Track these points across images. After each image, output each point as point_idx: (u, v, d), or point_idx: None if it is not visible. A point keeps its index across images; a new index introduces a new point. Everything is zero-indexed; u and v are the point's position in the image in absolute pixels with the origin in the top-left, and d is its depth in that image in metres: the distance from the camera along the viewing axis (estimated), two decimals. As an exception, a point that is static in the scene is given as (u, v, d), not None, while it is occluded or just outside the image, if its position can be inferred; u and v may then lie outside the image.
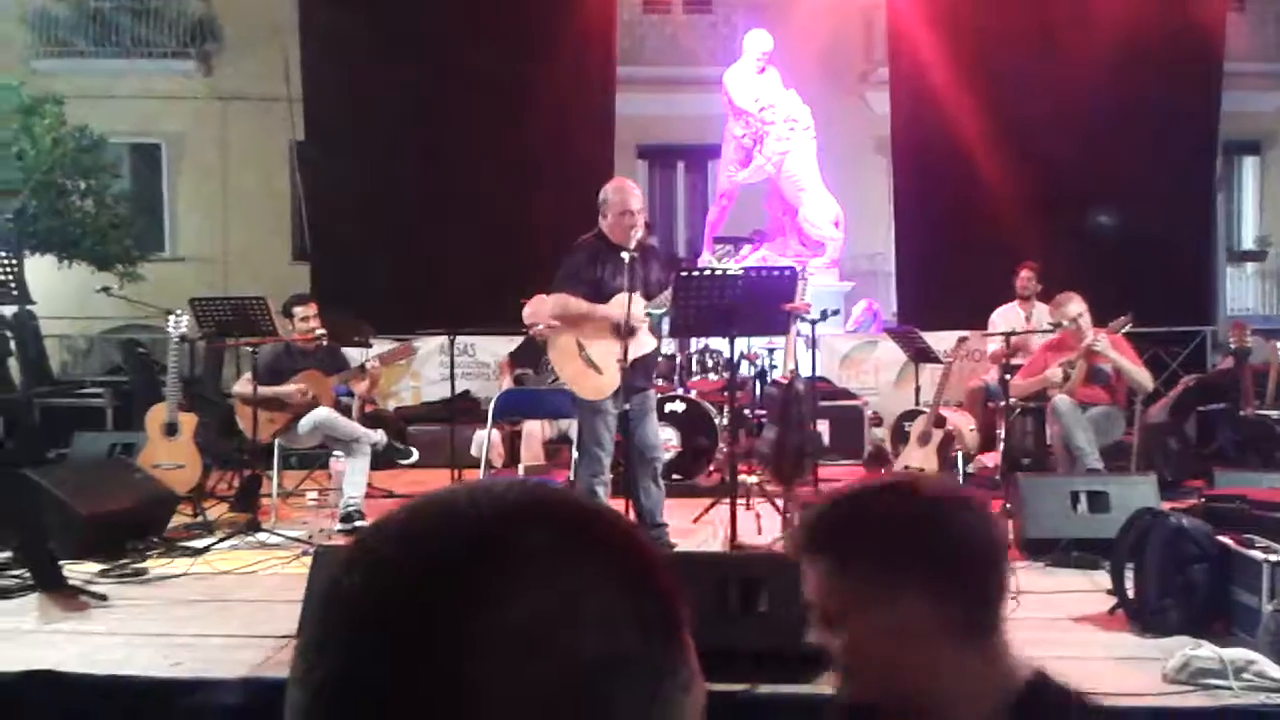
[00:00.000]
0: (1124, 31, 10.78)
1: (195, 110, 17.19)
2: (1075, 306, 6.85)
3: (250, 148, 16.73)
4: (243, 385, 6.73)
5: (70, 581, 4.97)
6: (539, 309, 5.40)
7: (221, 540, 5.96)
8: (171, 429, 6.82)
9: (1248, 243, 17.53)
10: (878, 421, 9.56)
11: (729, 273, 5.42)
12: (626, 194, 5.43)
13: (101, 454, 7.13)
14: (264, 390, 6.63)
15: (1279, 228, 17.15)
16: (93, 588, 4.97)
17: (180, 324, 6.96)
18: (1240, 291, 17.14)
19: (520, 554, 0.64)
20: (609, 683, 0.63)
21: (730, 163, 12.52)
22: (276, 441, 6.83)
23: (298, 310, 7.10)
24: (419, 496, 0.69)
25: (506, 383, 8.31)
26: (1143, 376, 6.95)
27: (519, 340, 8.44)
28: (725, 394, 7.24)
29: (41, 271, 14.00)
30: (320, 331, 7.00)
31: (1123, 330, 6.84)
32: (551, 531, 0.66)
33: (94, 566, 5.37)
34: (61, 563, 5.11)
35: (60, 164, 13.81)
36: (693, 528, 6.28)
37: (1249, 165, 17.33)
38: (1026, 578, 4.80)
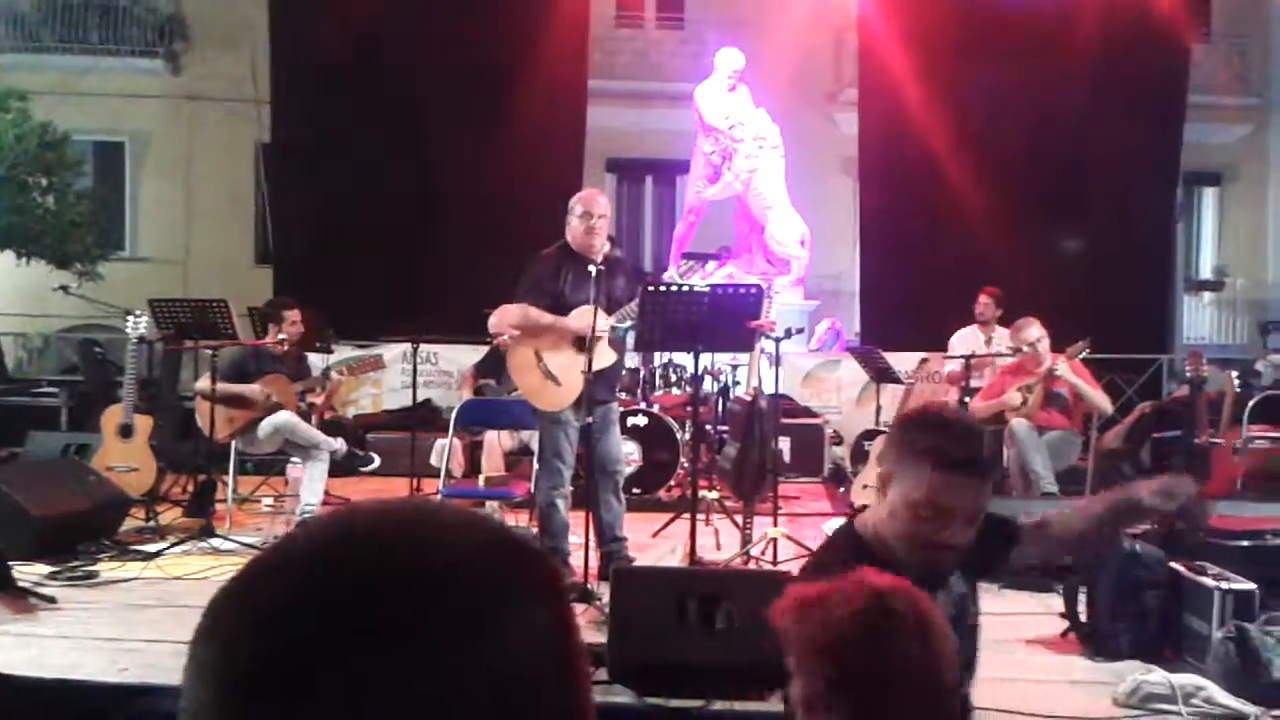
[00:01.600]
0: (1092, 61, 10.94)
1: (161, 109, 17.03)
2: (1034, 331, 6.93)
3: (216, 149, 16.60)
4: (204, 382, 6.65)
5: (19, 583, 4.90)
6: (502, 317, 5.38)
7: (174, 545, 5.89)
8: (127, 431, 6.74)
9: (1205, 272, 17.78)
10: (838, 440, 9.60)
11: (695, 289, 5.43)
12: (592, 200, 5.45)
13: (55, 454, 7.03)
14: (226, 387, 6.55)
15: (1237, 258, 17.41)
16: (42, 590, 4.91)
17: (139, 325, 6.88)
18: (1197, 320, 17.36)
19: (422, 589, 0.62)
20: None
21: (699, 178, 12.56)
22: (233, 446, 6.76)
23: (287, 314, 7.05)
24: (314, 526, 0.67)
25: (467, 393, 8.28)
26: (1102, 400, 7.03)
27: (483, 350, 8.42)
28: (688, 409, 7.25)
29: (-1, 268, 13.84)
30: (282, 336, 6.95)
31: (1080, 355, 6.92)
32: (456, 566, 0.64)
33: (44, 568, 5.30)
34: (11, 564, 5.04)
35: (23, 160, 13.63)
36: (652, 542, 6.28)
37: (1209, 196, 17.58)
38: (980, 600, 4.83)
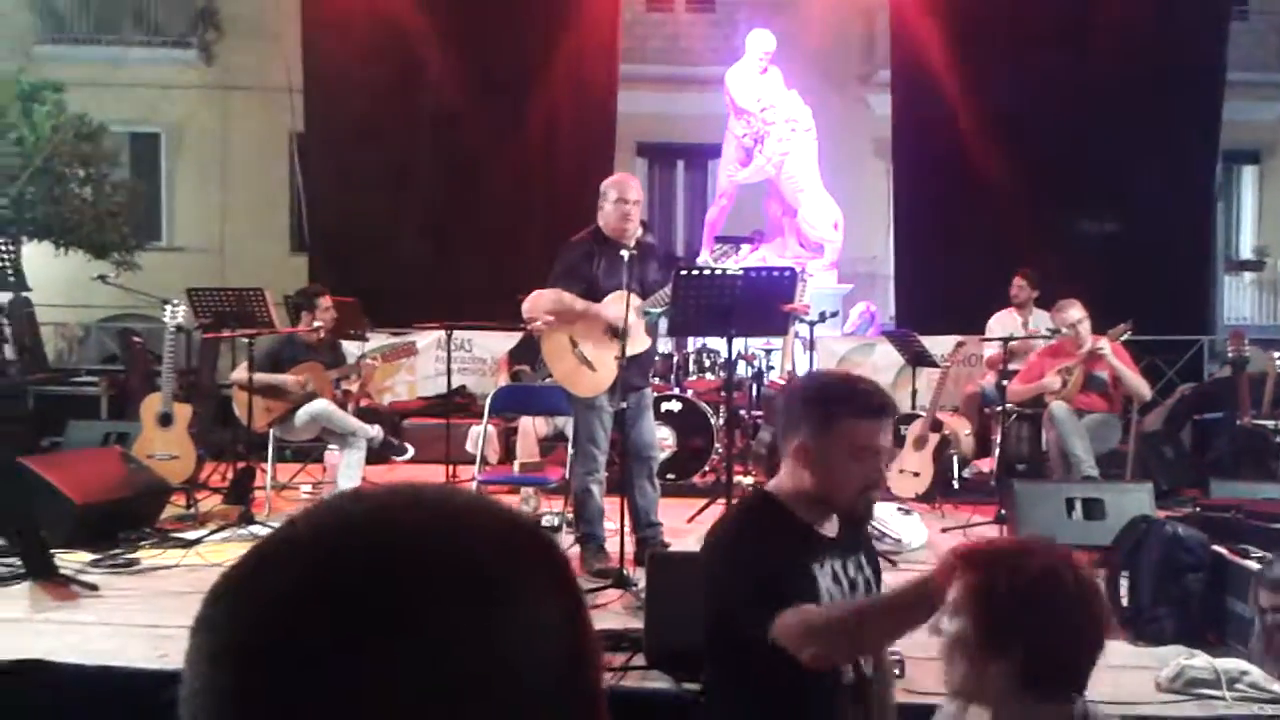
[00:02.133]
0: (1127, 40, 10.78)
1: (195, 100, 17.16)
2: (1075, 313, 6.85)
3: (250, 138, 16.70)
4: (241, 372, 6.70)
5: (61, 571, 4.96)
6: (536, 303, 5.37)
7: (214, 532, 5.93)
8: (166, 419, 6.80)
9: (1246, 252, 17.55)
10: (874, 425, 9.53)
11: (728, 272, 5.39)
12: (625, 185, 5.43)
13: (96, 443, 7.11)
14: (263, 377, 6.60)
15: (1277, 238, 17.17)
16: (84, 577, 4.96)
17: (177, 314, 6.93)
18: (1237, 301, 17.16)
19: (428, 577, 0.61)
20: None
21: (730, 162, 12.52)
22: (272, 433, 6.81)
23: (320, 301, 7.09)
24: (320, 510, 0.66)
25: (503, 379, 8.29)
26: (1141, 385, 6.95)
27: (517, 337, 8.43)
28: (722, 394, 7.23)
29: (38, 259, 13.97)
30: (318, 324, 6.99)
31: (1122, 337, 6.84)
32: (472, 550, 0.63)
33: (86, 556, 5.35)
34: (53, 551, 5.10)
35: (59, 151, 13.77)
36: (687, 528, 6.27)
37: (1248, 175, 17.34)
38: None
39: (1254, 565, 4.12)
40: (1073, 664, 1.88)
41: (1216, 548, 4.39)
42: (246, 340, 6.56)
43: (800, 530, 2.41)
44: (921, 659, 3.41)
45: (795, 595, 2.22)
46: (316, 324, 7.00)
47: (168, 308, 6.94)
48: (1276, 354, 8.45)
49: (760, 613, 2.19)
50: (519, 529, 0.67)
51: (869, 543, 2.70)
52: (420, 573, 0.61)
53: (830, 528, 2.48)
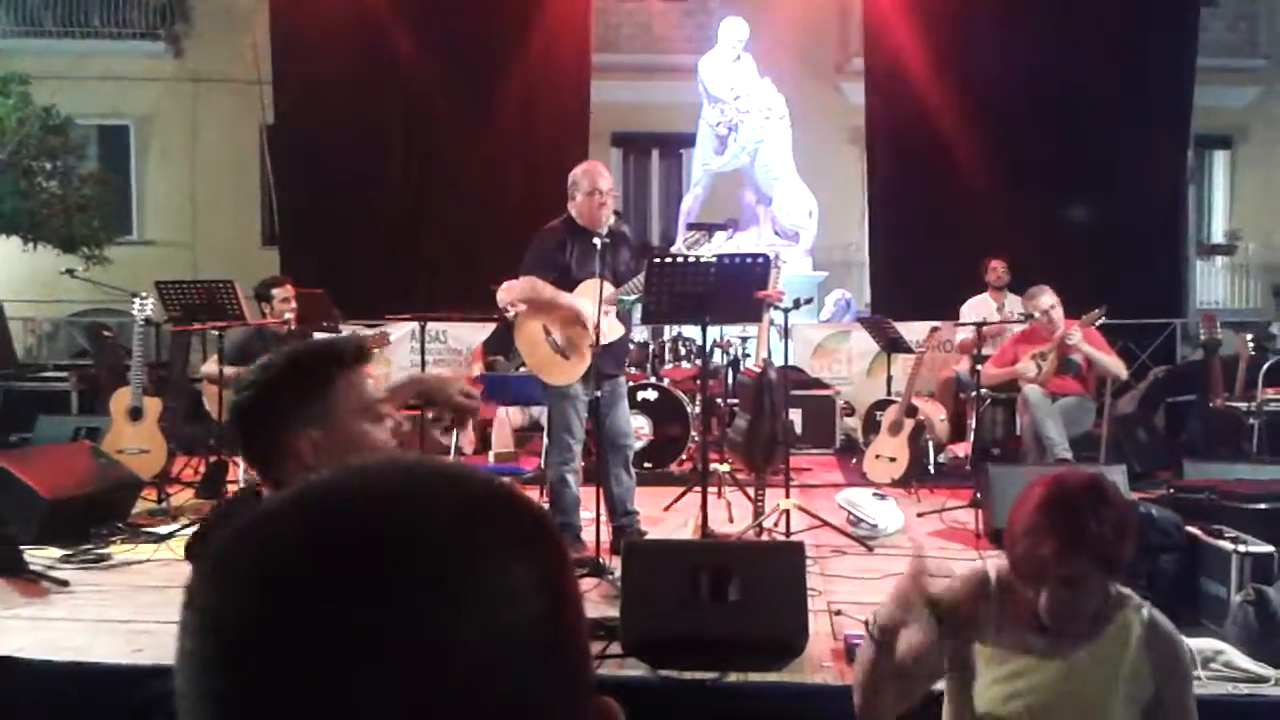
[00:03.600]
0: (1099, 24, 10.82)
1: (164, 92, 16.99)
2: (1047, 299, 6.88)
3: (220, 130, 16.55)
4: (211, 366, 6.64)
5: (32, 566, 4.90)
6: (511, 291, 5.36)
7: (186, 526, 5.88)
8: (136, 413, 6.73)
9: (1218, 236, 17.67)
10: (850, 411, 9.56)
11: (702, 259, 5.38)
12: (595, 174, 5.38)
13: (66, 438, 7.03)
14: (233, 371, 6.54)
15: (1249, 222, 17.29)
16: (54, 573, 4.90)
17: (146, 307, 6.86)
18: (1210, 285, 17.27)
19: (424, 542, 0.61)
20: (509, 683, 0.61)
21: (705, 151, 12.50)
22: (244, 426, 6.74)
23: (276, 292, 7.03)
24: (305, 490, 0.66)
25: (477, 370, 8.26)
26: (1117, 365, 7.00)
27: (491, 327, 8.40)
28: (697, 382, 7.21)
29: (6, 254, 13.84)
30: (288, 316, 6.94)
31: (1096, 323, 6.87)
32: (455, 516, 0.63)
33: (56, 552, 5.30)
34: (23, 547, 5.04)
35: (26, 144, 13.61)
36: (664, 516, 6.26)
37: (1219, 159, 17.45)
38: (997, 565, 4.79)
39: (1227, 545, 4.13)
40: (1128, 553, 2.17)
41: (1190, 528, 4.40)
42: (216, 333, 6.49)
43: None
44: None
45: None
46: (287, 315, 6.94)
47: (136, 301, 6.87)
48: (1249, 336, 8.53)
49: None
50: (493, 494, 0.66)
51: None
52: (383, 536, 0.61)
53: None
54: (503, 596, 0.62)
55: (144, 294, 6.92)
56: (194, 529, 5.33)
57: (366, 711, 0.57)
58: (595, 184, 5.33)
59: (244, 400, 1.98)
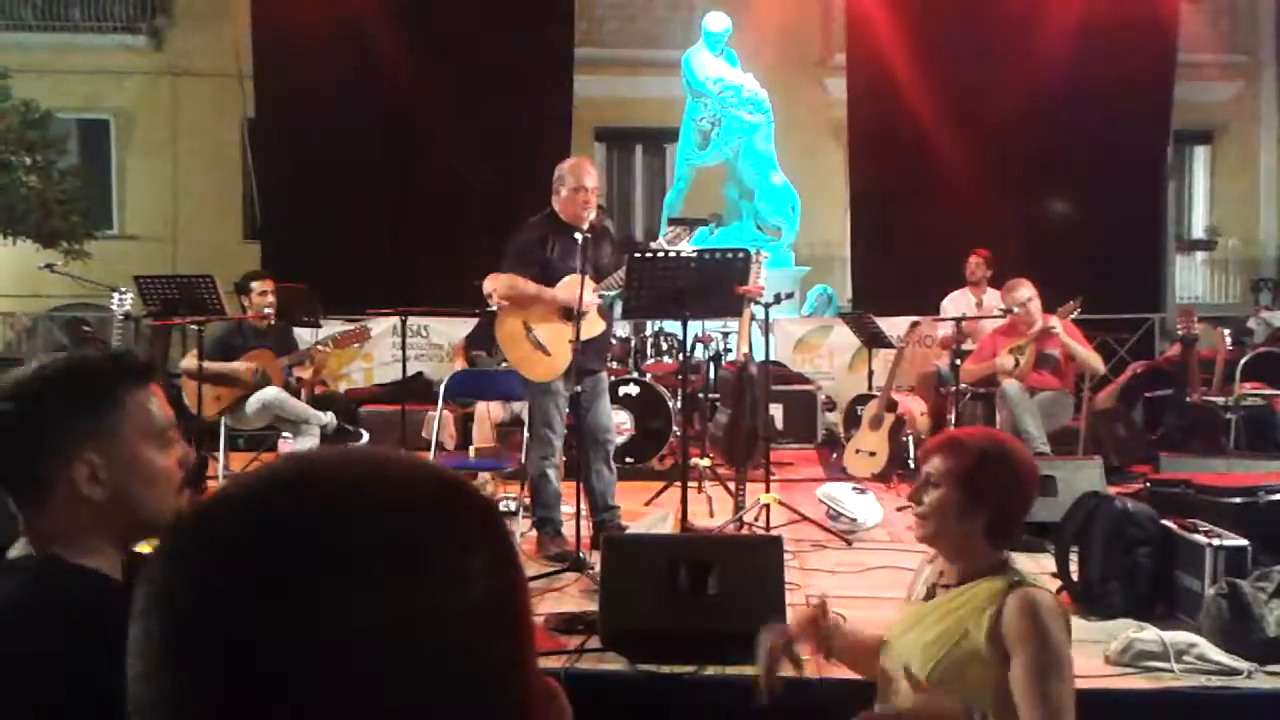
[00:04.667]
0: (1080, 20, 10.86)
1: (145, 86, 16.90)
2: (1025, 292, 6.91)
3: (201, 124, 16.47)
4: (190, 360, 6.61)
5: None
6: (495, 284, 5.35)
7: (166, 521, 5.85)
8: (116, 409, 6.68)
9: (1197, 232, 17.76)
10: (831, 406, 9.59)
11: (682, 254, 5.38)
12: (581, 171, 5.38)
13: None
14: (213, 366, 6.52)
15: (1228, 217, 17.38)
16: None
17: (125, 302, 6.81)
18: (1189, 280, 17.36)
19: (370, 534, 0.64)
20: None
21: (688, 146, 12.51)
22: (224, 422, 6.73)
23: (255, 285, 7.01)
24: (249, 478, 0.69)
25: (459, 365, 8.25)
26: (1094, 360, 7.03)
27: (473, 322, 8.39)
28: (679, 377, 7.23)
29: (-15, 248, 13.75)
30: (268, 310, 6.92)
31: (1072, 315, 6.90)
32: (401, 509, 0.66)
33: (34, 548, 5.26)
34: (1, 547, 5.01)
35: (5, 139, 13.53)
36: (645, 511, 6.26)
37: (1200, 155, 17.53)
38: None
39: (1202, 540, 4.17)
40: (1020, 518, 2.42)
41: (1165, 522, 4.43)
42: (196, 328, 6.47)
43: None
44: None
45: None
46: (267, 310, 6.92)
47: (116, 295, 6.83)
48: (1226, 331, 8.58)
49: None
50: (447, 483, 0.70)
51: None
52: (349, 522, 0.64)
53: None
54: (460, 577, 0.65)
55: (123, 289, 6.88)
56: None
57: (336, 678, 0.61)
58: (581, 181, 5.32)
59: (3, 413, 1.60)
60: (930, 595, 2.49)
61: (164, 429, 1.71)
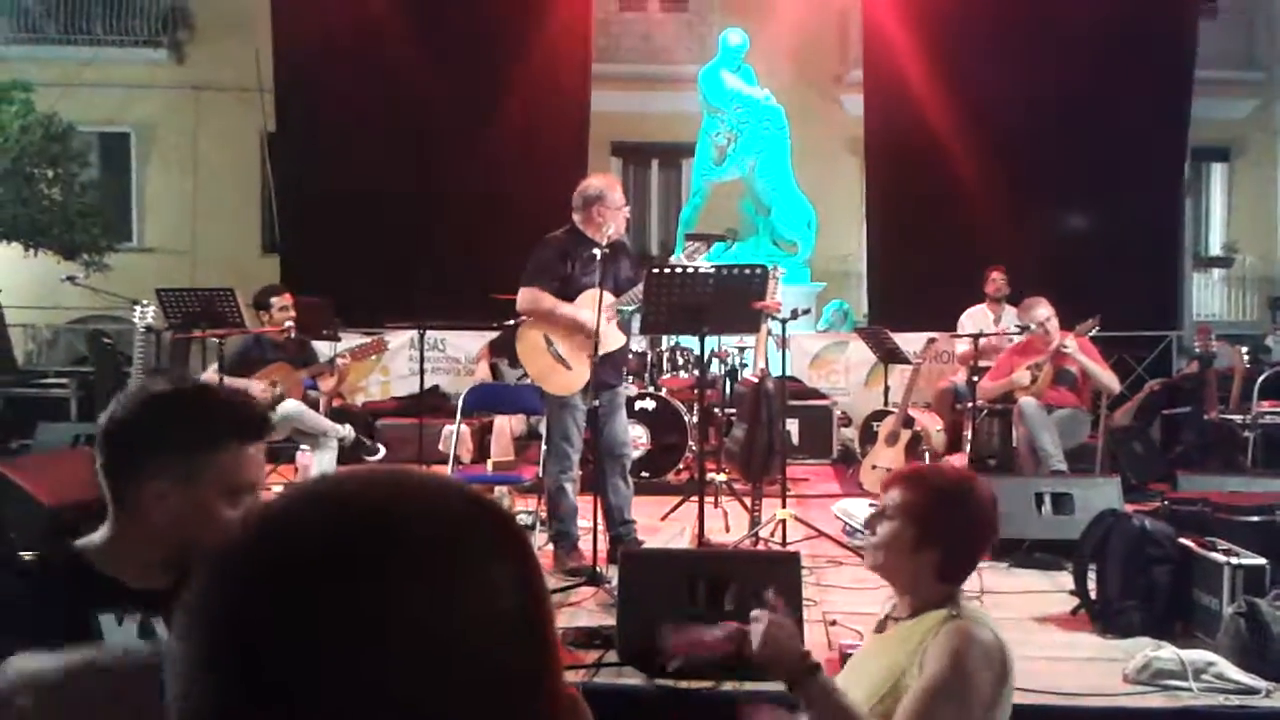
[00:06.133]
0: (1097, 37, 10.86)
1: (166, 100, 17.01)
2: (1043, 310, 6.90)
3: (221, 138, 16.57)
4: (210, 374, 6.66)
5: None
6: (524, 299, 5.42)
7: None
8: (136, 420, 6.72)
9: (1215, 249, 17.69)
10: (846, 421, 9.59)
11: (700, 270, 5.41)
12: (618, 186, 5.49)
13: (65, 445, 7.04)
14: (230, 382, 6.56)
15: (1245, 234, 17.32)
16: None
17: (146, 315, 6.87)
18: (1206, 297, 17.30)
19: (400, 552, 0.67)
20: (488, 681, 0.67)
21: (704, 161, 12.54)
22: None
23: (275, 301, 7.06)
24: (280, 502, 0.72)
25: (483, 367, 8.31)
26: (1110, 379, 7.01)
27: (490, 336, 8.44)
28: (695, 392, 7.24)
29: (7, 260, 13.85)
30: (289, 324, 6.96)
31: (1090, 333, 6.90)
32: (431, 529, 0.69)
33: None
34: (22, 553, 5.05)
35: (28, 151, 13.63)
36: (661, 525, 6.28)
37: (1217, 172, 17.48)
38: (990, 578, 4.82)
39: (1220, 558, 4.16)
40: (973, 560, 2.41)
41: (1183, 540, 4.43)
42: (217, 341, 6.52)
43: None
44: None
45: None
46: (288, 324, 6.97)
47: (137, 308, 6.88)
48: (1244, 349, 8.55)
49: None
50: (472, 501, 0.73)
51: None
52: (380, 538, 0.67)
53: None
54: (486, 591, 0.68)
55: (145, 302, 6.93)
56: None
57: (371, 686, 0.64)
58: (622, 199, 5.41)
59: (121, 416, 1.74)
60: (881, 629, 2.52)
61: (245, 489, 1.76)
